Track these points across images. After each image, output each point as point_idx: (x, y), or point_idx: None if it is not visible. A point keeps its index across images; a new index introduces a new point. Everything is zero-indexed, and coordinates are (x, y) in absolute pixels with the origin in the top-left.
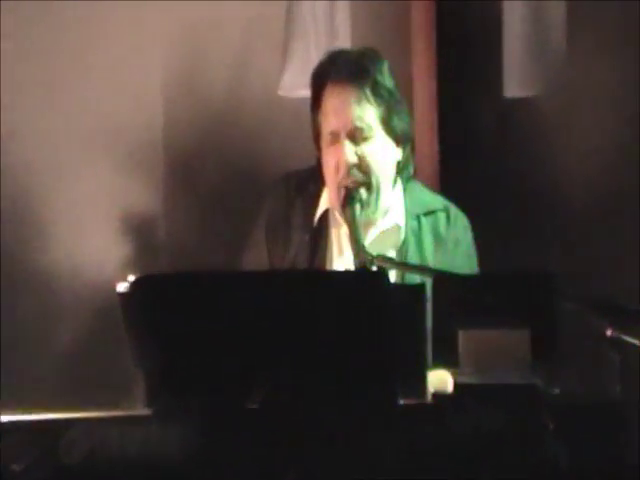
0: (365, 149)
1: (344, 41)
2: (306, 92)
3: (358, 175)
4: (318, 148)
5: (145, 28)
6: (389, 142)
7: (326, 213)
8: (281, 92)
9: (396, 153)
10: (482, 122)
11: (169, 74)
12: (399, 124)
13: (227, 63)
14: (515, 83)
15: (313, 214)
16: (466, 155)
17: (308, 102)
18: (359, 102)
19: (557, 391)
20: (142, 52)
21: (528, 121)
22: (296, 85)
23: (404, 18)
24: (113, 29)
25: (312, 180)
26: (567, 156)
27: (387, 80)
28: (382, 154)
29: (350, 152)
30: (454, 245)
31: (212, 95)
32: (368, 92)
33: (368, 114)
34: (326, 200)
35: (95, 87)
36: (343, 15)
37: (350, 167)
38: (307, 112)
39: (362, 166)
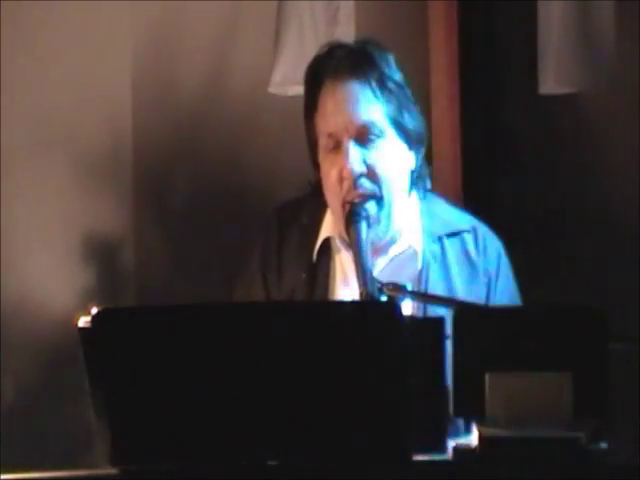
0: (374, 154)
1: (347, 27)
2: (301, 89)
3: (367, 185)
4: (316, 165)
5: (110, 10)
6: (401, 145)
7: (326, 243)
8: (272, 89)
9: (409, 159)
10: (513, 124)
11: (138, 69)
12: (411, 122)
13: (206, 53)
14: (552, 78)
15: (309, 247)
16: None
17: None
18: (365, 97)
19: (604, 446)
20: (106, 38)
21: (569, 123)
22: (290, 80)
23: (418, 3)
24: (73, 15)
25: (306, 209)
26: (618, 165)
27: (394, 72)
28: (394, 160)
29: (356, 158)
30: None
31: (188, 93)
32: (375, 85)
33: (376, 111)
34: (327, 227)
35: (52, 87)
36: None
37: (357, 177)
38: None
39: (371, 175)
